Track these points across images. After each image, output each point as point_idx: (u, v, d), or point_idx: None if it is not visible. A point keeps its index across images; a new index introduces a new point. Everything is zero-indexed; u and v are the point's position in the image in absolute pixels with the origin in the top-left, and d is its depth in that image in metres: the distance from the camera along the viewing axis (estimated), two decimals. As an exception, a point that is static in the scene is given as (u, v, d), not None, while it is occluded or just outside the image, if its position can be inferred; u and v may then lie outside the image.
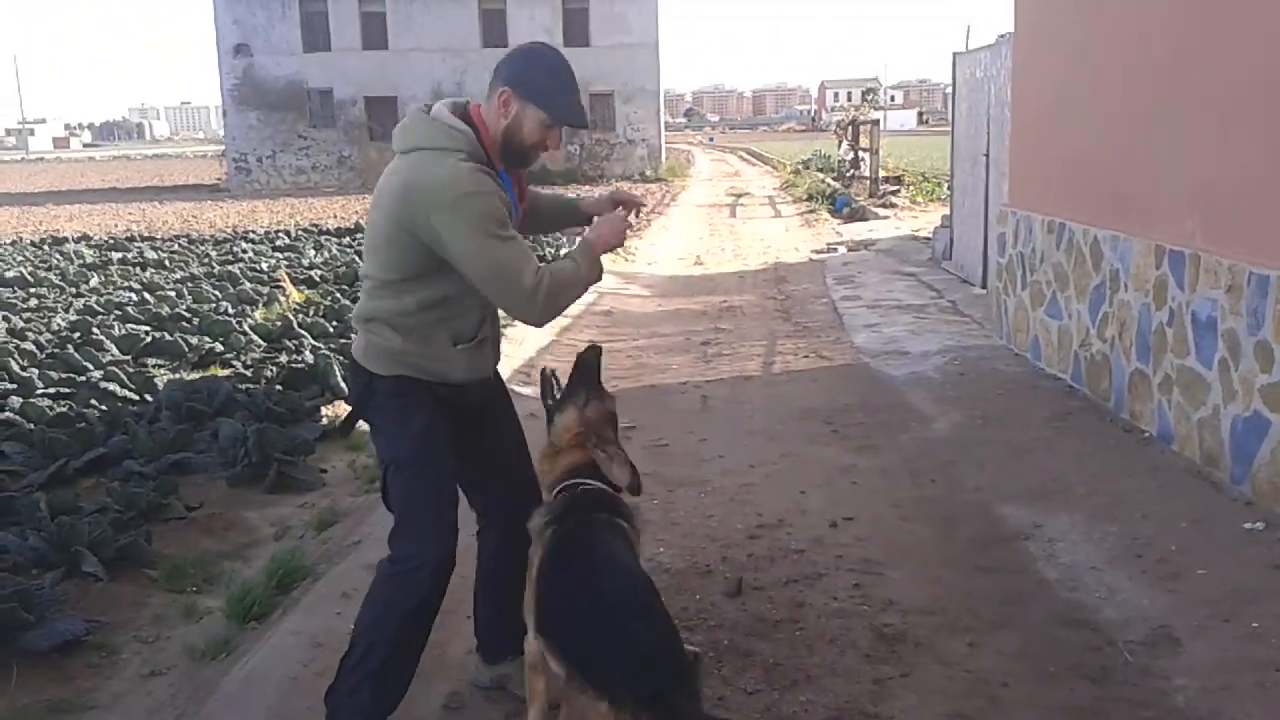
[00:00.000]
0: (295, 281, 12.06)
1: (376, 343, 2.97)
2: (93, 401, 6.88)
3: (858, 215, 19.49)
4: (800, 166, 33.08)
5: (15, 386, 7.30)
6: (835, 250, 15.36)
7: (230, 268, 13.73)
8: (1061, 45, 7.15)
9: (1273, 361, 4.52)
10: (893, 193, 21.94)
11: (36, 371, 7.67)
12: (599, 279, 3.07)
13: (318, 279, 12.52)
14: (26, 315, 10.56)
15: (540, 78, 2.95)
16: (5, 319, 10.17)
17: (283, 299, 11.01)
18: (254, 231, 19.40)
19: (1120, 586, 4.01)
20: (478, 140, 2.92)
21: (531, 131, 2.94)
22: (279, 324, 9.44)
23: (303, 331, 8.95)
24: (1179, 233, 5.42)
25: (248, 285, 11.99)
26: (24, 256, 16.12)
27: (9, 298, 11.83)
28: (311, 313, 10.05)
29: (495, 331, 3.15)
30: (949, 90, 12.56)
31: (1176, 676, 3.36)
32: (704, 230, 19.85)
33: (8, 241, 18.82)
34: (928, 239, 14.32)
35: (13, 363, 7.89)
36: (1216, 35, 5.13)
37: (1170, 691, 3.28)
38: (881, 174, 23.12)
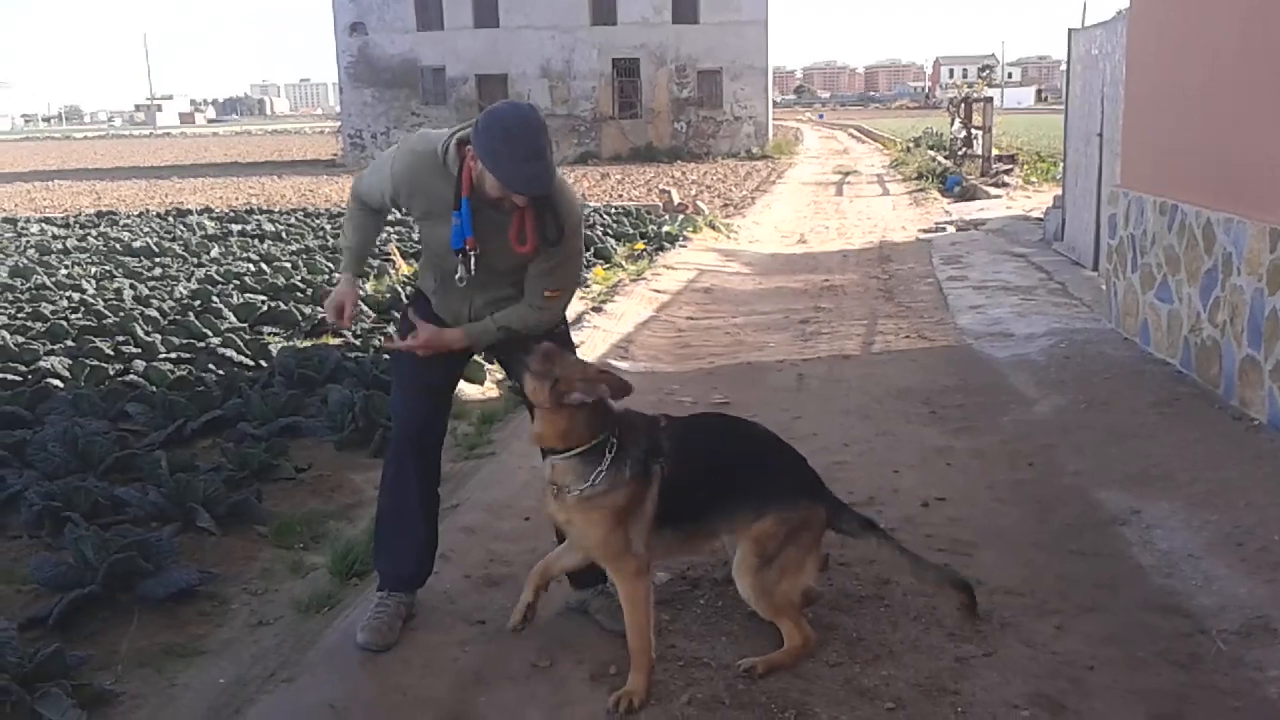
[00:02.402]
0: (404, 255, 12.33)
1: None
2: (211, 366, 7.19)
3: (968, 194, 19.15)
4: (911, 144, 32.54)
5: (140, 351, 7.66)
6: (943, 230, 15.13)
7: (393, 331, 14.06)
8: (1177, 22, 6.94)
9: (1390, 349, 4.37)
10: (1005, 172, 21.47)
11: (159, 337, 8.03)
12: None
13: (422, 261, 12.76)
14: (151, 284, 11.03)
15: (496, 143, 3.11)
16: (132, 287, 10.64)
17: (392, 271, 11.28)
18: (342, 237, 19.81)
19: (1217, 574, 3.93)
20: (458, 161, 3.25)
21: (493, 187, 3.19)
22: (388, 295, 9.70)
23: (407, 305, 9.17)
24: (1296, 215, 5.25)
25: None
26: (150, 228, 16.79)
27: (135, 266, 12.36)
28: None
29: (461, 297, 3.50)
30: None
31: (1270, 668, 3.29)
32: (808, 208, 19.71)
33: (135, 213, 19.61)
34: (1039, 219, 14.00)
35: (138, 328, 8.27)
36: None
37: (1262, 682, 3.22)
38: (994, 152, 22.63)
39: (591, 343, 8.26)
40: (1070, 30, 11.56)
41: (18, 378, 6.98)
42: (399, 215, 17.46)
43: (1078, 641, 3.49)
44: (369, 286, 10.49)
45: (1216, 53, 6.26)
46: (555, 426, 3.16)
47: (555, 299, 3.48)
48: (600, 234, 13.75)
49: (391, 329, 8.19)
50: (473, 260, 3.34)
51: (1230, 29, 6.07)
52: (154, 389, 6.58)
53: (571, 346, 3.77)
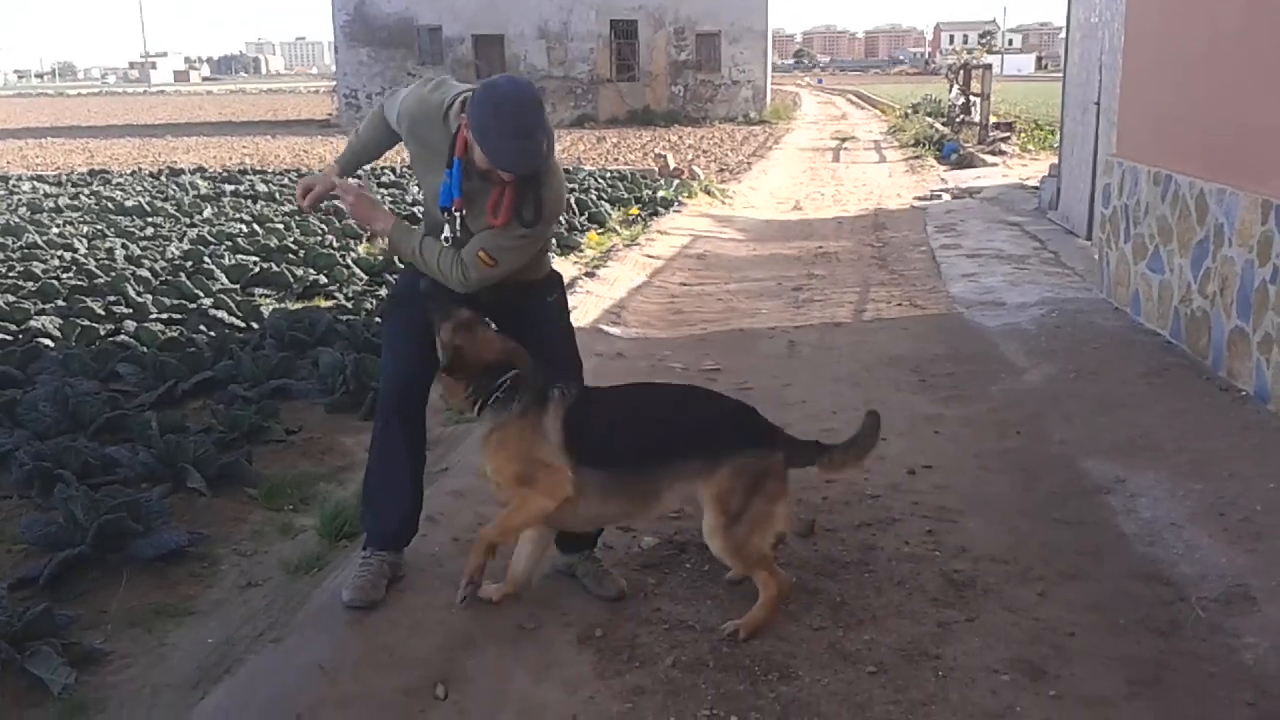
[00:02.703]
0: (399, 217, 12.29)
1: None
2: (202, 327, 7.19)
3: (965, 162, 19.11)
4: (909, 111, 32.38)
5: (131, 311, 7.65)
6: (939, 197, 15.10)
7: (337, 202, 13.99)
8: (1177, -11, 6.91)
9: (1377, 322, 4.39)
10: (1003, 139, 21.42)
11: (151, 298, 8.01)
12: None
13: (420, 215, 12.73)
14: (143, 243, 10.98)
15: (487, 117, 3.12)
16: (124, 246, 10.60)
17: (385, 234, 11.25)
18: (361, 168, 19.74)
19: (1199, 544, 3.97)
20: (457, 122, 3.27)
21: (480, 160, 3.21)
22: (380, 258, 9.68)
23: (403, 266, 9.15)
24: (1289, 187, 5.25)
25: (352, 220, 12.24)
26: (143, 187, 16.70)
27: (127, 226, 12.31)
28: (412, 248, 10.26)
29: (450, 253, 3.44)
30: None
31: (1247, 635, 3.33)
32: (805, 174, 19.65)
33: (128, 172, 19.50)
34: (1035, 188, 13.97)
35: (129, 288, 8.26)
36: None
37: (1239, 649, 3.27)
38: (992, 120, 22.55)
39: (584, 308, 8.25)
40: (1070, -3, 11.50)
41: (8, 337, 6.97)
42: (392, 178, 17.42)
43: (1059, 608, 3.53)
44: (361, 249, 10.47)
45: (1216, 24, 6.23)
46: (454, 390, 3.43)
47: (484, 266, 3.34)
48: (594, 198, 13.71)
49: (383, 292, 8.20)
50: (459, 221, 3.36)
51: (1227, 7, 6.03)
52: (145, 349, 6.58)
53: (566, 314, 3.80)
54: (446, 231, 3.39)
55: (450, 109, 3.31)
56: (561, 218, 3.62)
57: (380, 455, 3.68)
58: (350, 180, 3.69)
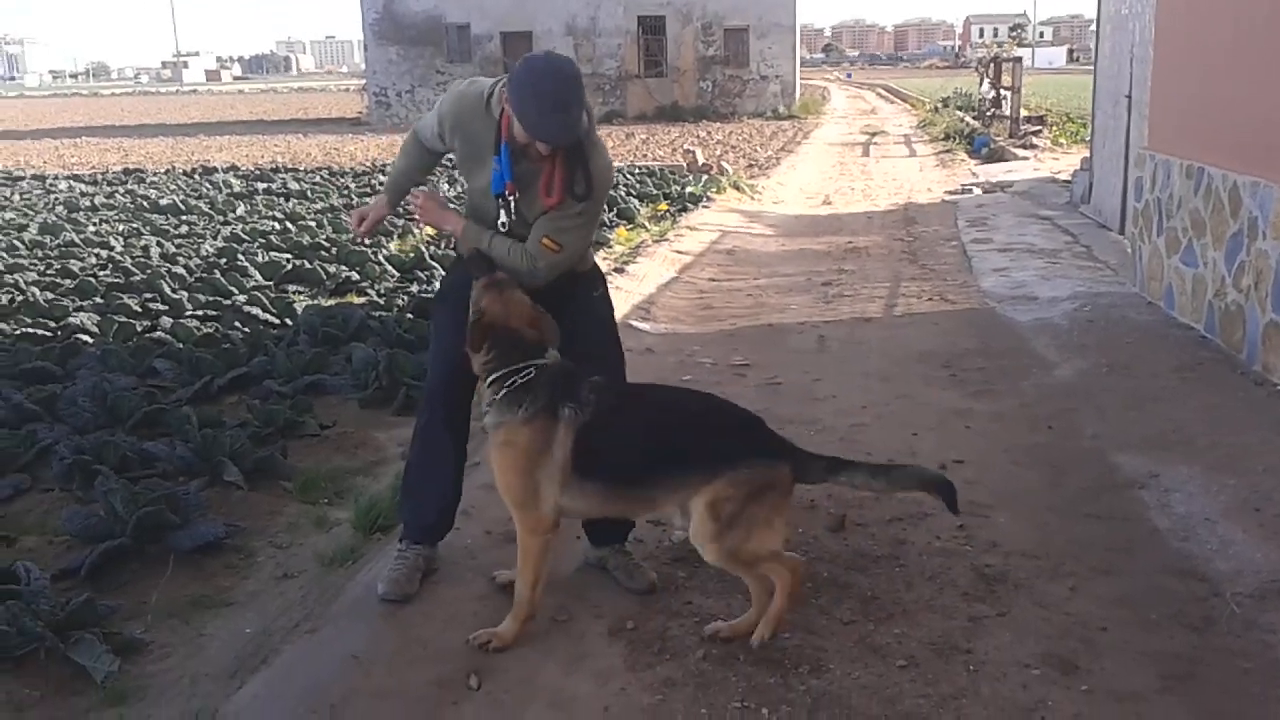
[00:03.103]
0: (428, 214, 12.36)
1: None
2: (236, 324, 7.27)
3: (996, 156, 18.98)
4: (939, 105, 32.18)
5: (167, 308, 7.75)
6: (970, 191, 15.02)
7: (368, 200, 14.13)
8: (1211, -20, 6.84)
9: None
10: (1034, 133, 21.25)
11: (186, 294, 8.11)
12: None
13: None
14: (178, 241, 11.12)
15: (525, 91, 3.18)
16: (159, 244, 10.73)
17: (416, 231, 11.33)
18: (391, 165, 19.86)
19: (1234, 539, 3.95)
20: (500, 109, 3.31)
21: (519, 134, 3.25)
22: (412, 255, 9.76)
23: (434, 263, 9.22)
24: (1324, 179, 5.20)
25: (423, 224, 12.32)
26: (177, 185, 16.87)
27: (162, 224, 12.46)
28: (443, 245, 10.33)
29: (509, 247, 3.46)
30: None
31: (1283, 630, 3.32)
32: (834, 169, 19.59)
33: (162, 171, 19.70)
34: (1067, 182, 13.88)
35: (165, 285, 8.37)
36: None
37: (1274, 644, 3.25)
38: (1023, 113, 22.39)
39: (613, 304, 8.27)
40: (1101, -11, 11.40)
41: (48, 333, 7.09)
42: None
43: (1091, 603, 3.52)
44: (393, 246, 10.54)
45: (1245, 13, 6.17)
46: (474, 354, 3.31)
47: (549, 252, 3.41)
48: (624, 194, 13.72)
49: (415, 288, 8.25)
50: (513, 205, 3.38)
51: (1262, -8, 5.98)
52: (181, 346, 6.67)
53: (610, 310, 3.87)
54: (502, 217, 3.41)
55: (491, 97, 3.36)
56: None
57: (422, 448, 3.71)
58: (424, 196, 3.69)
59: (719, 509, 3.12)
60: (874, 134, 27.29)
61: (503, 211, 3.40)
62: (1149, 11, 8.78)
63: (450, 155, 3.71)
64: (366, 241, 10.46)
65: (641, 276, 9.27)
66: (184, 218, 13.07)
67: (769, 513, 3.17)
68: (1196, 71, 6.98)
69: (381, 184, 16.09)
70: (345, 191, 15.52)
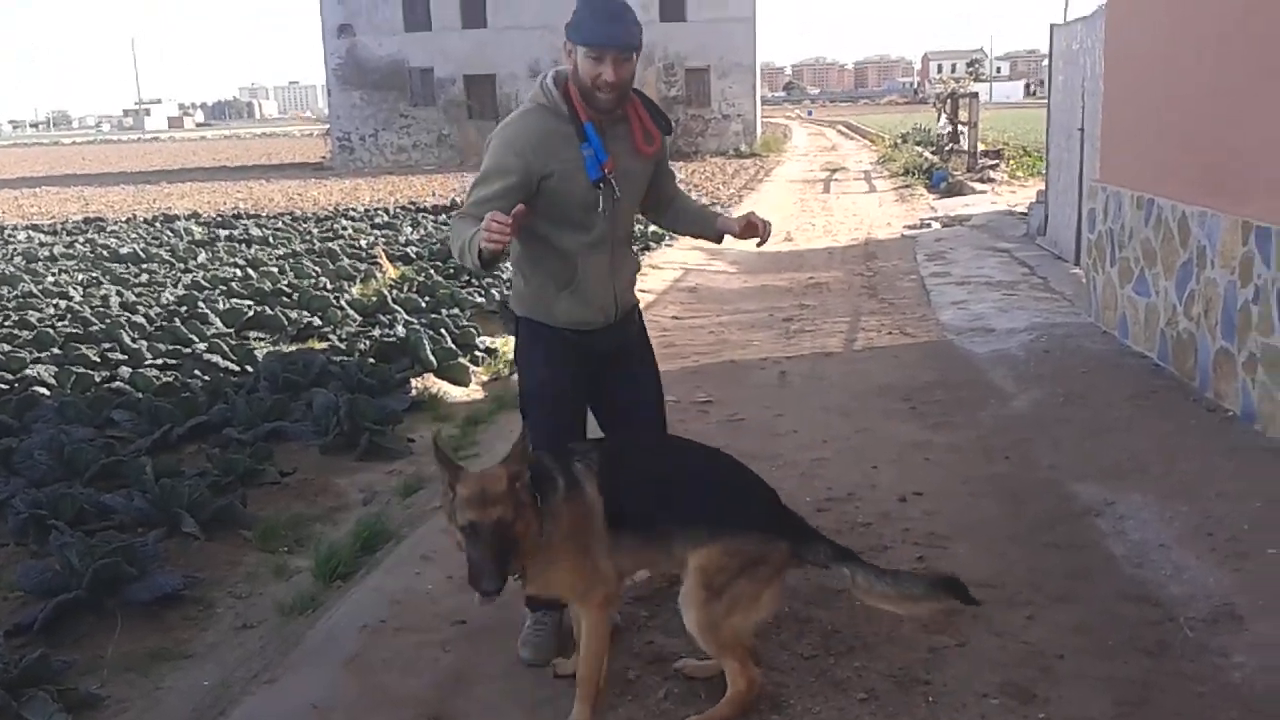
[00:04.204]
0: (391, 258, 12.39)
1: (515, 286, 3.46)
2: (196, 372, 7.24)
3: (954, 190, 19.23)
4: (899, 140, 32.61)
5: (126, 357, 7.71)
6: (928, 226, 15.20)
7: (330, 244, 14.16)
8: (1155, 16, 7.00)
9: (1356, 340, 4.44)
10: (991, 167, 21.56)
11: (146, 343, 8.07)
12: (472, 263, 3.07)
13: (413, 255, 12.84)
14: (138, 289, 11.07)
15: (578, 15, 3.15)
16: (119, 293, 10.68)
17: (379, 275, 11.34)
18: (354, 209, 19.91)
19: (1187, 564, 4.00)
20: (563, 96, 3.19)
21: (584, 70, 3.15)
22: (374, 299, 9.75)
23: (396, 307, 9.23)
24: (1267, 209, 5.31)
25: (346, 261, 12.36)
26: (137, 233, 16.81)
27: (122, 273, 12.40)
28: (406, 289, 10.35)
29: (604, 282, 3.37)
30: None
31: (1235, 654, 3.36)
32: (796, 206, 19.77)
33: (123, 219, 19.62)
34: (1024, 214, 14.09)
35: (124, 335, 8.32)
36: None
37: (1227, 668, 3.29)
38: (980, 148, 22.72)
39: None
40: (1052, 25, 11.64)
41: (4, 386, 7.03)
42: (386, 219, 17.47)
43: (1048, 631, 3.55)
44: (355, 290, 10.53)
45: (1193, 49, 6.32)
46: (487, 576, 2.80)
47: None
48: (587, 234, 13.79)
49: (377, 332, 8.24)
50: (614, 185, 3.23)
51: (1207, 27, 6.13)
52: (140, 395, 6.63)
53: (650, 350, 3.68)
54: (600, 205, 3.22)
55: (550, 93, 3.22)
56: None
57: None
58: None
59: (711, 577, 2.97)
60: (835, 170, 27.58)
61: (602, 198, 3.22)
62: (1099, 47, 8.97)
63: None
64: (329, 286, 10.47)
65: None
66: (144, 266, 13.02)
67: (757, 587, 3.02)
68: (1145, 105, 7.14)
69: (342, 227, 16.07)
70: (307, 236, 15.51)
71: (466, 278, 10.83)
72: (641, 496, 3.05)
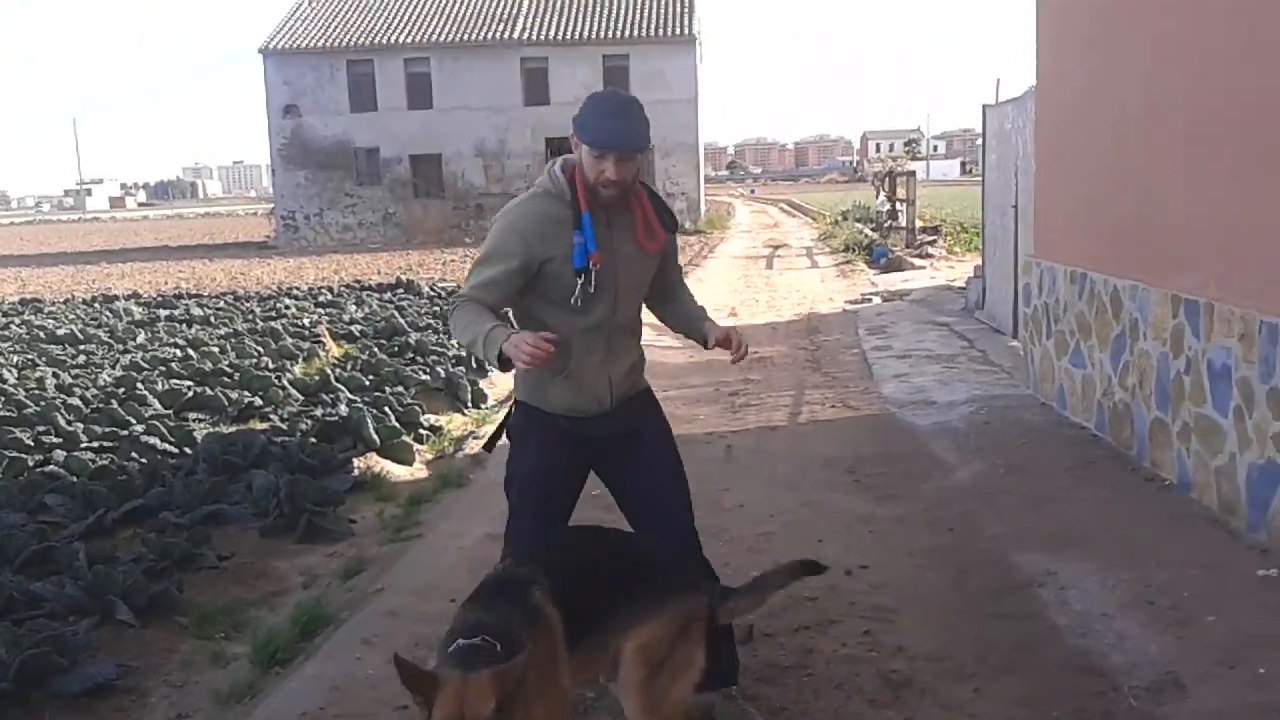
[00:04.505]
0: (335, 336, 12.31)
1: (516, 370, 3.23)
2: (134, 455, 7.10)
3: (894, 266, 19.55)
4: (839, 218, 33.18)
5: (60, 440, 7.54)
6: (870, 300, 15.42)
7: (273, 324, 14.04)
8: (1080, 96, 7.24)
9: (1284, 409, 4.55)
10: (929, 243, 21.99)
11: (81, 426, 7.91)
12: (496, 365, 3.08)
13: (357, 334, 12.76)
14: (75, 371, 10.87)
15: (586, 113, 3.16)
16: (55, 375, 10.47)
17: (322, 354, 11.25)
18: (298, 288, 19.80)
19: (1130, 633, 4.03)
20: (569, 183, 3.21)
21: (588, 166, 3.17)
22: (317, 378, 9.65)
23: (339, 385, 9.14)
24: (1194, 282, 5.46)
25: (289, 340, 12.26)
26: (75, 315, 16.56)
27: (59, 355, 12.17)
28: (349, 367, 10.27)
29: (598, 369, 3.31)
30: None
31: (1179, 722, 3.38)
32: (739, 281, 19.97)
33: (61, 300, 19.33)
34: (962, 289, 14.35)
35: (59, 417, 8.14)
36: (1227, 84, 5.20)
37: (1171, 737, 3.31)
38: (919, 224, 23.20)
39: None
40: (985, 106, 11.99)
41: (-67, 471, 6.83)
42: (330, 297, 17.41)
43: (994, 704, 3.55)
44: (298, 369, 10.43)
45: (1117, 128, 6.53)
46: None
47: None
48: (532, 311, 13.83)
49: (319, 412, 8.14)
50: (593, 276, 3.18)
51: (1130, 107, 6.34)
52: (74, 479, 6.49)
53: (664, 436, 3.63)
54: (576, 292, 3.18)
55: (556, 179, 3.23)
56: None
57: None
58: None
59: (651, 653, 2.88)
60: (777, 247, 27.96)
61: (580, 287, 3.18)
62: (1029, 127, 9.24)
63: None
64: (271, 366, 10.37)
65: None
66: (82, 347, 12.80)
67: (691, 649, 2.95)
68: (1074, 183, 7.34)
69: (285, 306, 15.96)
70: (250, 316, 15.38)
71: (411, 355, 10.79)
72: (588, 603, 2.85)
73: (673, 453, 3.61)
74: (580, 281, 3.18)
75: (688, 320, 3.69)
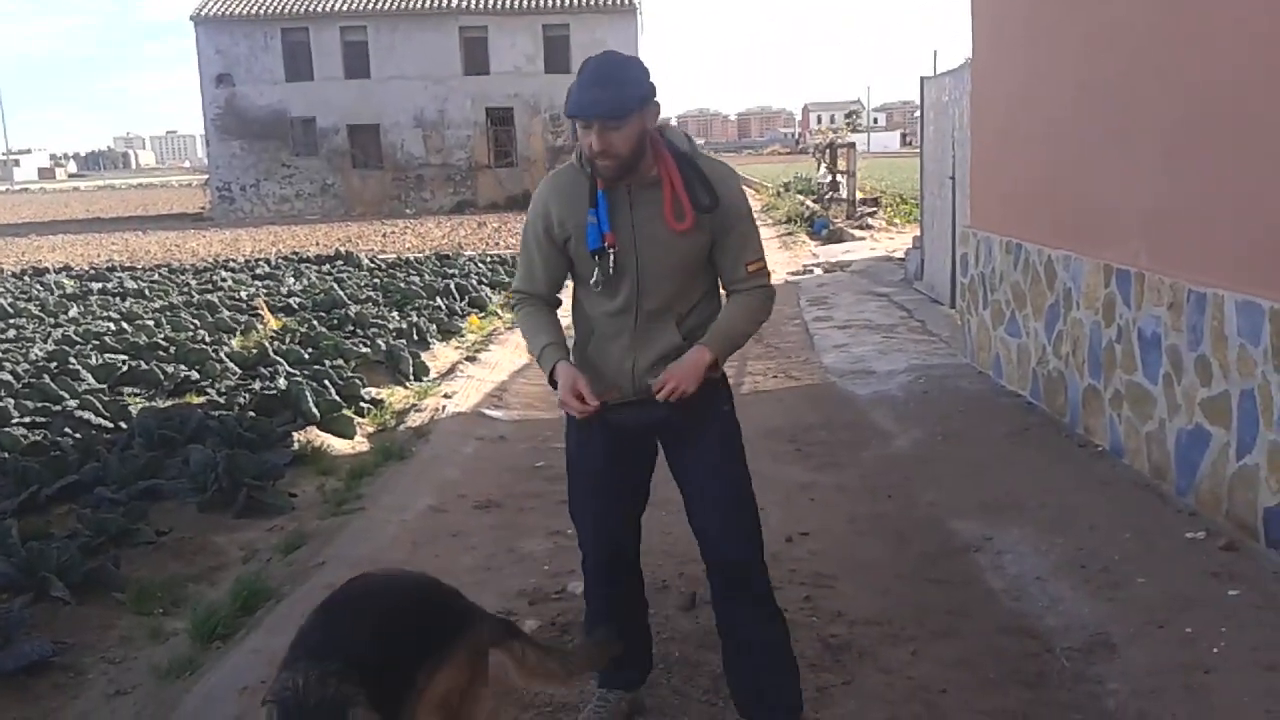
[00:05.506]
0: (273, 309, 12.15)
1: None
2: (67, 430, 6.96)
3: (835, 237, 19.69)
4: (781, 189, 33.30)
5: (-10, 416, 7.37)
6: (811, 272, 15.53)
7: (209, 296, 13.83)
8: (1016, 70, 7.32)
9: (1211, 376, 4.67)
10: (870, 214, 22.16)
11: (13, 402, 7.73)
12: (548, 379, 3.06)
13: (296, 306, 12.61)
14: (4, 346, 10.61)
15: (572, 84, 2.91)
16: (-17, 350, 10.23)
17: (260, 327, 11.11)
18: (235, 260, 19.50)
19: (1063, 596, 4.13)
20: (590, 158, 2.95)
21: (581, 139, 2.95)
22: (255, 352, 9.53)
23: (278, 359, 9.03)
24: (1126, 253, 5.57)
25: (226, 314, 12.08)
26: (4, 288, 16.17)
27: (-12, 329, 11.89)
28: (288, 340, 10.14)
29: (621, 355, 3.08)
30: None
31: (1110, 681, 3.47)
32: (683, 254, 20.01)
33: (-11, 273, 18.87)
34: (901, 260, 14.50)
35: (-11, 393, 7.97)
36: (1158, 68, 5.29)
37: (1102, 695, 3.40)
38: (859, 196, 23.35)
39: (465, 392, 8.25)
40: (922, 78, 12.06)
41: None
42: (267, 270, 17.16)
43: (931, 666, 3.63)
44: (235, 342, 10.29)
45: (1053, 99, 6.62)
46: None
47: (758, 271, 3.14)
48: (475, 283, 13.77)
49: (257, 385, 8.05)
50: (611, 259, 2.98)
51: (1064, 80, 6.43)
52: (6, 455, 6.35)
53: (736, 428, 3.27)
54: (595, 275, 2.99)
55: (581, 156, 3.01)
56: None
57: (604, 618, 3.34)
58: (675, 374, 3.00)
59: (450, 699, 2.52)
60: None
61: (597, 269, 2.99)
62: (966, 99, 9.32)
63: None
64: (208, 339, 10.21)
65: (494, 364, 9.27)
66: (11, 321, 12.51)
67: (484, 681, 2.68)
68: (1011, 154, 7.43)
69: (221, 279, 15.69)
70: (185, 289, 15.13)
71: (351, 328, 10.68)
72: (389, 669, 2.43)
73: (730, 467, 3.24)
74: (596, 265, 2.99)
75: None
